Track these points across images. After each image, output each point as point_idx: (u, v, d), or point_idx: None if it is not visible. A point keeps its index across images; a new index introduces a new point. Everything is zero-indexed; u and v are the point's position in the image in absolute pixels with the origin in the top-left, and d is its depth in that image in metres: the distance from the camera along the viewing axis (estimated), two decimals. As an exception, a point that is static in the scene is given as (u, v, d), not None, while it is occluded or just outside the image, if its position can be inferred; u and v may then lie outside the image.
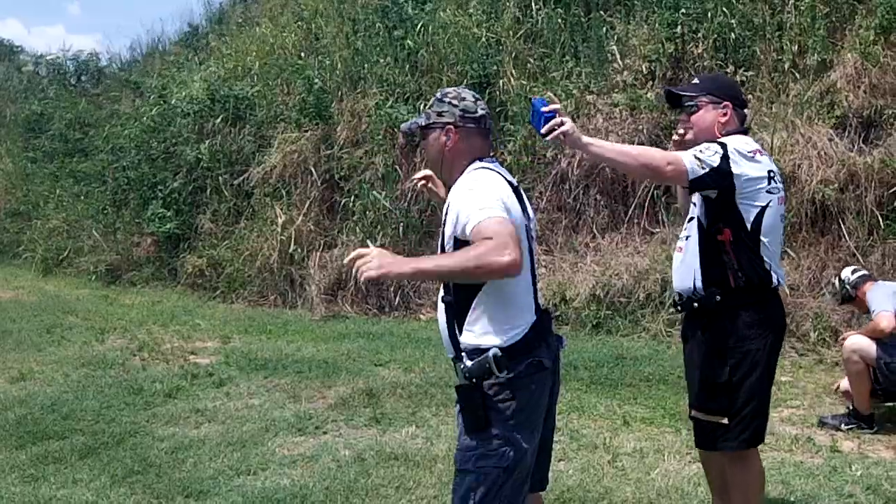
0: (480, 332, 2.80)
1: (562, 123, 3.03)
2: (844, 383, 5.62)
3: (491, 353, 2.73)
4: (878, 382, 5.34)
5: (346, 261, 2.82)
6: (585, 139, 3.11)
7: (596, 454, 5.08)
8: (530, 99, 3.16)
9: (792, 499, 4.33)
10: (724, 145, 3.31)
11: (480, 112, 2.96)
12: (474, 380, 2.75)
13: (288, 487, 4.67)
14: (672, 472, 4.76)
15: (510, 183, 2.90)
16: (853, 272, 5.75)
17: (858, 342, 5.36)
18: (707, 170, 3.24)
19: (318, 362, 7.51)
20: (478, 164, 2.91)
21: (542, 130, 3.05)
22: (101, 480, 4.89)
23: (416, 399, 6.31)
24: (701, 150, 3.29)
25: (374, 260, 2.68)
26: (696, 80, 3.68)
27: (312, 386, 6.79)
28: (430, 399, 6.28)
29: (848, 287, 5.68)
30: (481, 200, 2.69)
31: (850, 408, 5.47)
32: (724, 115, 3.48)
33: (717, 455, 3.61)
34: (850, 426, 5.39)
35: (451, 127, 2.92)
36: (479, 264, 2.55)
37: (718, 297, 3.36)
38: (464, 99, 2.95)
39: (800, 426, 5.54)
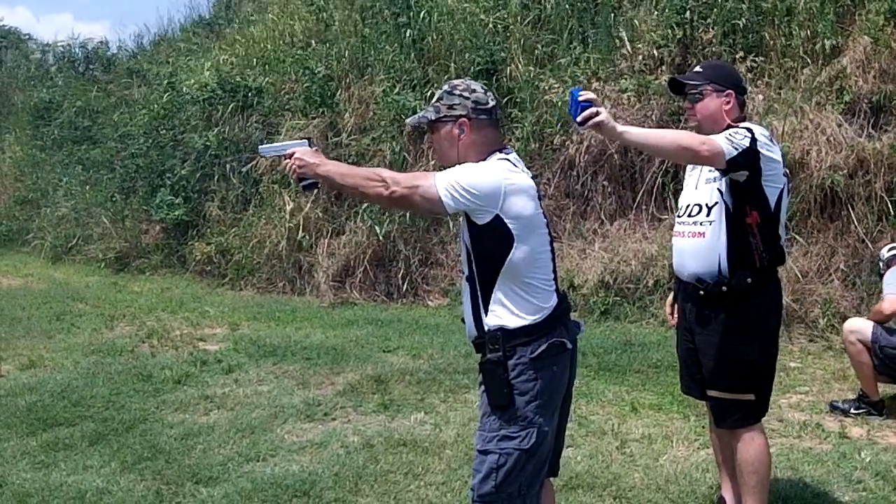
0: (504, 313, 2.83)
1: (597, 113, 3.05)
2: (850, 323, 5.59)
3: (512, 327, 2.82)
4: (874, 365, 5.32)
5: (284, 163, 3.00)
6: (620, 127, 3.14)
7: (604, 440, 5.09)
8: (569, 90, 3.19)
9: (801, 485, 4.33)
10: (750, 129, 3.39)
11: (491, 103, 2.96)
12: (500, 356, 2.80)
13: (297, 473, 4.69)
14: (681, 458, 4.76)
15: (529, 175, 2.92)
16: (889, 250, 5.71)
17: (856, 324, 5.40)
18: (740, 150, 3.30)
19: (327, 349, 7.53)
20: (498, 155, 2.91)
21: (578, 119, 3.07)
22: (111, 467, 4.92)
23: (424, 385, 6.32)
24: (731, 134, 3.36)
25: (300, 160, 2.93)
26: (698, 69, 3.73)
27: (321, 372, 6.81)
28: (439, 385, 6.29)
29: (881, 264, 5.68)
30: (463, 174, 2.79)
31: (861, 393, 5.45)
32: (728, 102, 3.56)
33: (728, 436, 3.66)
34: (859, 411, 5.38)
35: (465, 119, 2.91)
36: (358, 184, 2.85)
37: (749, 280, 3.46)
38: (474, 91, 2.94)
39: (808, 412, 5.53)
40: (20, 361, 7.41)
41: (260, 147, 3.30)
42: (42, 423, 5.74)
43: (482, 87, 2.98)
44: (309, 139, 3.10)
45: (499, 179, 2.78)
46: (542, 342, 2.81)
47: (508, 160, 2.89)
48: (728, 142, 3.30)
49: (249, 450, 5.12)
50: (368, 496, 4.38)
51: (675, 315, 3.97)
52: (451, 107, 2.92)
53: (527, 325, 2.81)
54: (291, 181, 3.09)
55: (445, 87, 2.99)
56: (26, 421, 5.79)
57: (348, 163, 10.78)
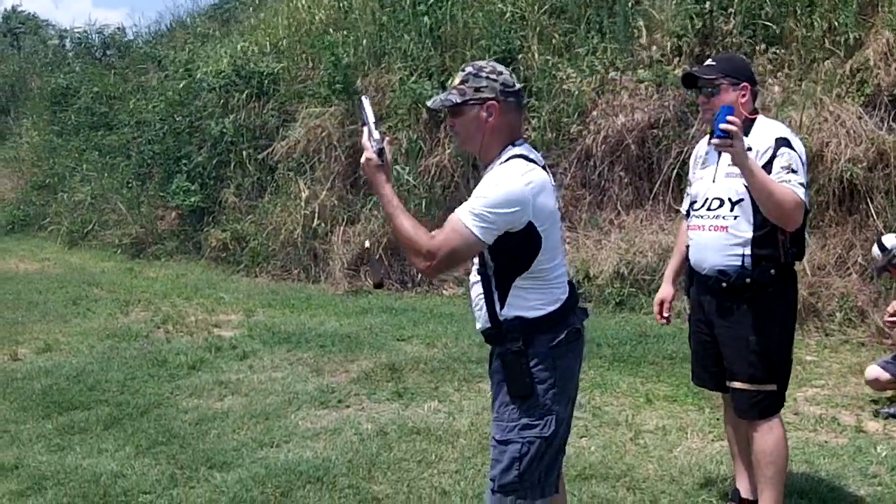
0: (523, 304, 2.81)
1: (732, 145, 3.16)
2: (870, 372, 5.44)
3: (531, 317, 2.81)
4: None
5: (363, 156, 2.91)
6: (749, 163, 3.24)
7: (618, 431, 5.08)
8: (722, 106, 3.28)
9: (816, 479, 4.30)
10: (791, 146, 3.40)
11: (518, 86, 2.89)
12: (521, 345, 2.79)
13: (310, 460, 4.70)
14: (695, 450, 4.75)
15: (545, 167, 2.88)
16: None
17: None
18: (804, 179, 3.36)
19: (341, 336, 7.54)
20: (512, 150, 2.83)
21: (713, 142, 3.23)
22: (125, 450, 4.95)
23: (438, 374, 6.32)
24: (793, 169, 3.35)
25: (368, 166, 2.87)
26: (711, 62, 3.69)
27: (335, 360, 6.82)
28: (453, 374, 6.29)
29: (894, 254, 5.36)
30: (486, 198, 2.70)
31: None
32: (744, 95, 3.53)
33: (746, 427, 3.65)
34: None
35: (493, 102, 2.80)
36: (405, 244, 2.79)
37: (773, 272, 3.47)
38: (501, 73, 2.85)
39: (824, 406, 5.49)
40: (36, 345, 7.46)
41: (363, 98, 3.09)
42: (58, 406, 5.78)
43: (508, 70, 2.90)
44: (383, 135, 2.96)
45: (522, 187, 2.71)
46: (560, 331, 2.81)
47: (523, 156, 2.81)
48: (801, 187, 3.32)
49: (263, 436, 5.13)
50: (382, 483, 4.38)
51: (665, 313, 4.05)
52: (478, 89, 2.81)
53: (545, 314, 2.80)
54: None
55: (469, 69, 2.88)
56: (42, 404, 5.83)
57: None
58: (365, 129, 2.90)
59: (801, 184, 3.32)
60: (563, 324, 2.83)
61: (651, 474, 4.42)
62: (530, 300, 2.81)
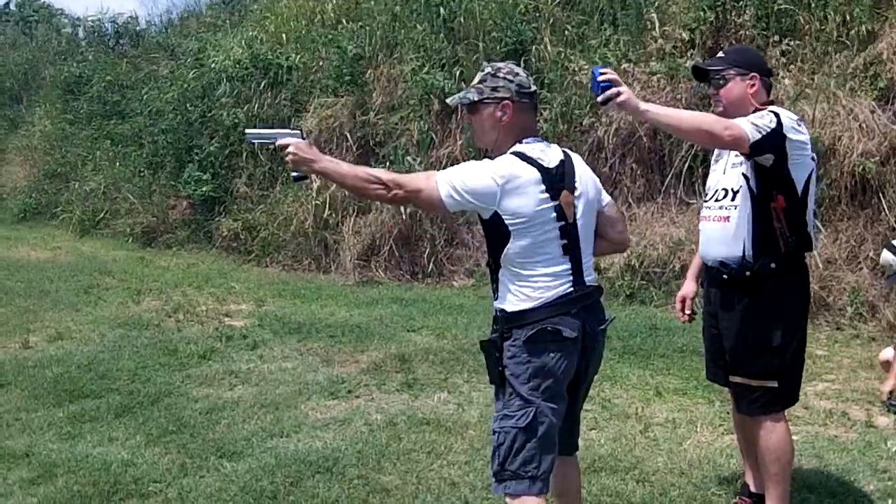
0: (507, 296, 2.96)
1: (618, 94, 3.04)
2: (885, 353, 5.52)
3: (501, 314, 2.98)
4: None
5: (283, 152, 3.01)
6: (643, 105, 3.12)
7: (628, 424, 5.08)
8: (584, 70, 3.22)
9: (825, 473, 4.30)
10: (776, 113, 3.35)
11: (533, 88, 3.02)
12: (496, 336, 2.97)
13: (320, 450, 4.71)
14: (704, 443, 4.75)
15: (541, 167, 2.90)
16: None
17: None
18: (765, 133, 3.26)
19: (351, 327, 7.55)
20: (517, 146, 2.94)
21: (600, 99, 3.07)
22: (136, 439, 4.97)
23: (447, 365, 6.33)
24: (756, 118, 3.32)
25: (295, 154, 2.94)
26: (721, 54, 3.70)
27: (345, 350, 6.83)
28: (462, 365, 6.29)
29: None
30: (462, 175, 2.87)
31: None
32: (753, 86, 3.52)
33: (750, 423, 3.63)
34: None
35: (508, 102, 2.95)
36: (365, 184, 2.89)
37: (773, 265, 3.42)
38: (518, 74, 2.99)
39: (834, 400, 5.48)
40: (48, 333, 7.49)
41: (247, 131, 3.26)
42: (69, 394, 5.80)
43: (525, 72, 3.03)
44: (301, 130, 3.09)
45: (496, 179, 2.83)
46: (535, 326, 2.88)
47: (520, 153, 2.91)
48: (752, 126, 3.26)
49: (273, 425, 5.15)
50: (391, 474, 4.39)
51: (686, 310, 4.01)
52: (494, 89, 2.95)
53: (523, 309, 2.91)
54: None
55: (488, 69, 3.02)
56: (53, 392, 5.85)
57: (375, 141, 10.91)
58: (278, 142, 3.02)
59: (755, 126, 3.26)
60: (541, 321, 2.88)
61: (661, 467, 4.42)
62: (513, 293, 2.94)
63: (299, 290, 9.53)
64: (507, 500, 2.90)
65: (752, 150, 3.28)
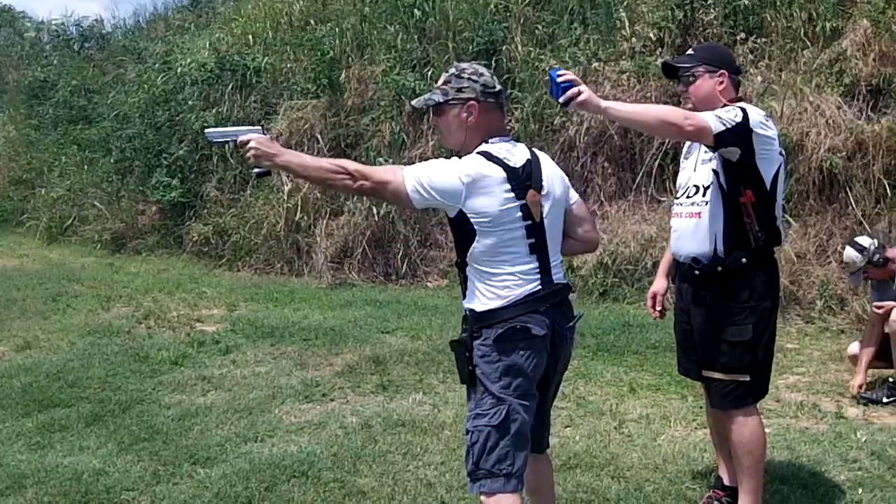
0: (475, 295, 2.96)
1: (579, 93, 3.02)
2: (851, 348, 5.59)
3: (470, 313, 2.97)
4: None
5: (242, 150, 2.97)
6: (604, 104, 3.11)
7: (602, 420, 5.09)
8: (547, 71, 3.19)
9: (797, 464, 4.33)
10: (743, 109, 3.36)
11: (498, 87, 3.01)
12: (465, 336, 2.95)
13: (295, 454, 4.68)
14: (678, 438, 4.77)
15: (507, 166, 2.89)
16: (870, 237, 5.61)
17: None
18: (729, 126, 3.27)
19: (325, 330, 7.52)
20: (483, 146, 2.94)
21: (561, 100, 3.05)
22: (107, 448, 4.91)
23: (422, 366, 6.32)
24: (721, 111, 3.34)
25: (257, 149, 2.91)
26: (690, 51, 3.72)
27: (319, 353, 6.80)
28: (437, 366, 6.28)
29: (879, 253, 5.34)
30: (429, 172, 2.85)
31: (893, 380, 5.35)
32: (721, 83, 3.53)
33: (723, 417, 3.65)
34: (892, 398, 5.26)
35: (474, 102, 2.94)
36: (322, 177, 2.90)
37: (744, 260, 3.44)
38: (482, 74, 2.98)
39: (805, 393, 5.53)
40: (15, 342, 7.40)
41: (206, 130, 3.25)
42: (38, 404, 5.72)
43: (489, 72, 3.02)
44: (262, 125, 3.07)
45: (461, 178, 2.82)
46: (504, 325, 2.87)
47: (485, 153, 2.90)
48: (716, 118, 3.27)
49: (247, 430, 5.11)
50: (367, 476, 4.37)
51: (658, 306, 3.99)
52: (459, 90, 2.94)
53: (492, 308, 2.90)
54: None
55: (452, 70, 3.01)
56: (22, 402, 5.77)
57: (346, 143, 10.88)
58: (239, 138, 3.00)
59: (719, 118, 3.26)
60: (510, 320, 2.88)
61: (635, 463, 4.43)
62: (480, 292, 2.93)
63: (272, 293, 9.48)
64: (483, 498, 2.89)
65: (717, 142, 3.29)
